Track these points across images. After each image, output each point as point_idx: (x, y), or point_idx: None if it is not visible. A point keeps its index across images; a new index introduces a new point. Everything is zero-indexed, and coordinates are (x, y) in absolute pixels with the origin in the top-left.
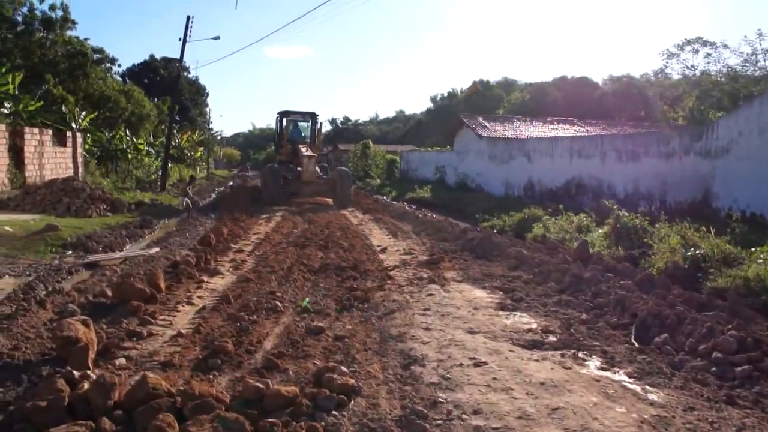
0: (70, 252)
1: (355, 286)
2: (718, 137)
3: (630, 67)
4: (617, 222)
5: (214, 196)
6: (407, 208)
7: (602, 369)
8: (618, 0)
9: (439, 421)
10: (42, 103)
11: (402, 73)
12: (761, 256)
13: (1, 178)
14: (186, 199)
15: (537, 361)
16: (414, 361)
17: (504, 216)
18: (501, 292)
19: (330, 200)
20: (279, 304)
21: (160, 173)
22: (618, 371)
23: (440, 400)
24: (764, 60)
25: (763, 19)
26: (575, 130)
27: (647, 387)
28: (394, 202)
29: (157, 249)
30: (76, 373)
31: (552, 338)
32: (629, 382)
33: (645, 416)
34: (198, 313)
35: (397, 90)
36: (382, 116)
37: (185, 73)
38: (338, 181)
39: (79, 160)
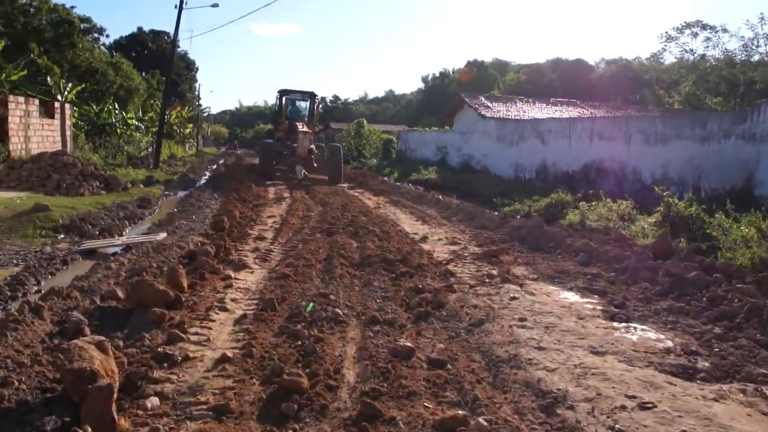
0: (62, 236)
1: (418, 286)
2: (766, 120)
3: (625, 50)
4: (668, 210)
5: (208, 174)
6: (416, 189)
7: None
8: None
9: None
10: (26, 72)
11: (392, 52)
12: None
13: None
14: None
15: (717, 401)
16: (555, 401)
17: (526, 200)
18: (595, 296)
19: (324, 176)
20: (339, 312)
21: (151, 149)
22: None
23: None
24: (765, 45)
25: (765, 3)
26: (579, 112)
27: None
28: (399, 184)
29: (164, 234)
30: None
31: (703, 363)
32: None
33: None
34: (238, 324)
35: (387, 69)
36: (371, 96)
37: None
38: (330, 157)
39: (68, 133)
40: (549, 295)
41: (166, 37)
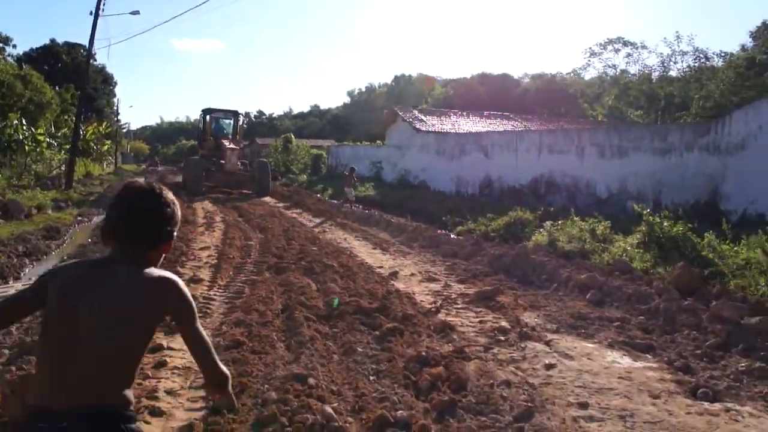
0: None
1: (420, 352)
2: (731, 132)
3: (548, 65)
4: (651, 229)
5: None
6: (356, 208)
7: None
8: None
9: None
10: None
11: (316, 67)
12: None
13: None
14: (351, 191)
15: None
16: None
17: (480, 219)
18: (648, 355)
19: (249, 191)
20: (329, 410)
21: (64, 168)
22: None
23: None
24: (682, 61)
25: (682, 22)
26: (513, 125)
27: None
28: (335, 201)
29: None
30: None
31: None
32: None
33: None
34: None
35: (312, 84)
36: (296, 110)
37: (92, 61)
38: (258, 172)
39: None
40: (591, 358)
41: (81, 50)
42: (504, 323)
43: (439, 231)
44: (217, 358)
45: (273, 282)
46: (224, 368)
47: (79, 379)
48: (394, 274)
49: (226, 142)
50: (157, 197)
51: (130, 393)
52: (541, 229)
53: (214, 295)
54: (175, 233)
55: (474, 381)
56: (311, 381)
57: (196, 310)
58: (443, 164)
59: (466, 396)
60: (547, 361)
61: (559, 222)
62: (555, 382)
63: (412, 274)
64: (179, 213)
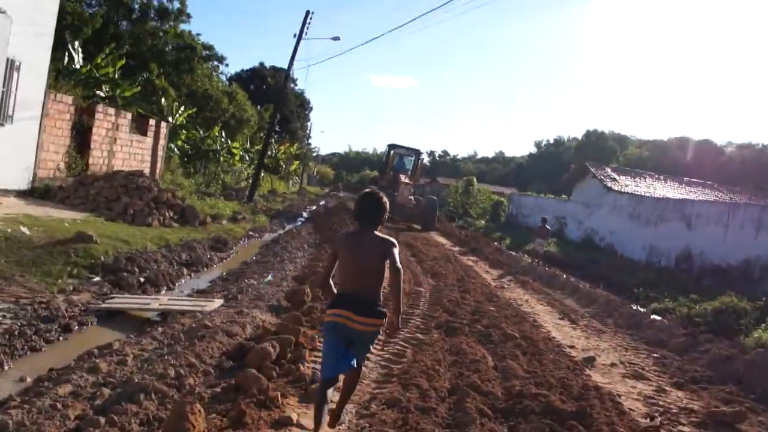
0: (97, 279)
1: None
2: None
3: (756, 134)
4: None
5: (305, 215)
6: (537, 264)
7: None
8: (742, 61)
9: None
10: (139, 89)
11: (505, 113)
12: None
13: (57, 161)
14: (544, 243)
15: None
16: None
17: (680, 298)
18: None
19: (416, 225)
20: None
21: (250, 181)
22: None
23: None
24: None
25: None
26: (717, 196)
27: None
28: (513, 253)
29: (219, 302)
30: None
31: None
32: None
33: None
34: None
35: (498, 130)
36: (480, 155)
37: (292, 85)
38: (426, 207)
39: (160, 153)
40: None
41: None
42: None
43: (633, 306)
44: (402, 293)
45: (441, 347)
46: (402, 303)
47: (357, 282)
48: (589, 361)
49: (403, 177)
50: (380, 200)
51: (380, 291)
52: (764, 325)
53: (372, 355)
54: (386, 218)
55: None
56: None
57: (397, 256)
58: (636, 229)
59: None
60: None
61: None
62: None
63: (613, 364)
64: (388, 207)
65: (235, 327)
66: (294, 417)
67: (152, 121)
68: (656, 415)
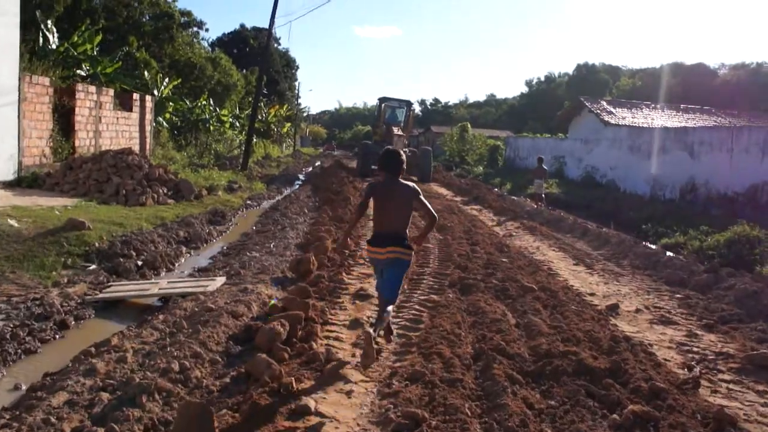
0: (94, 266)
1: None
2: None
3: (749, 53)
4: None
5: (302, 178)
6: (540, 206)
7: None
8: None
9: None
10: (120, 64)
11: (494, 55)
12: None
13: (41, 146)
14: (543, 184)
15: None
16: None
17: (691, 231)
18: None
19: (413, 176)
20: None
21: (243, 148)
22: None
23: None
24: None
25: None
26: (716, 121)
27: None
28: (515, 198)
29: (221, 280)
30: None
31: None
32: None
33: None
34: None
35: (488, 73)
36: (472, 99)
37: (276, 45)
38: (421, 158)
39: (147, 128)
40: None
41: (267, 33)
42: None
43: (645, 245)
44: (430, 231)
45: (458, 307)
46: (429, 235)
47: (389, 223)
48: (612, 308)
49: (395, 129)
50: (399, 155)
51: (405, 228)
52: None
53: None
54: (404, 167)
55: None
56: None
57: (423, 196)
58: (637, 163)
59: None
60: None
61: None
62: None
63: (637, 310)
64: (405, 159)
65: (240, 306)
66: (312, 405)
67: (136, 96)
68: (693, 364)
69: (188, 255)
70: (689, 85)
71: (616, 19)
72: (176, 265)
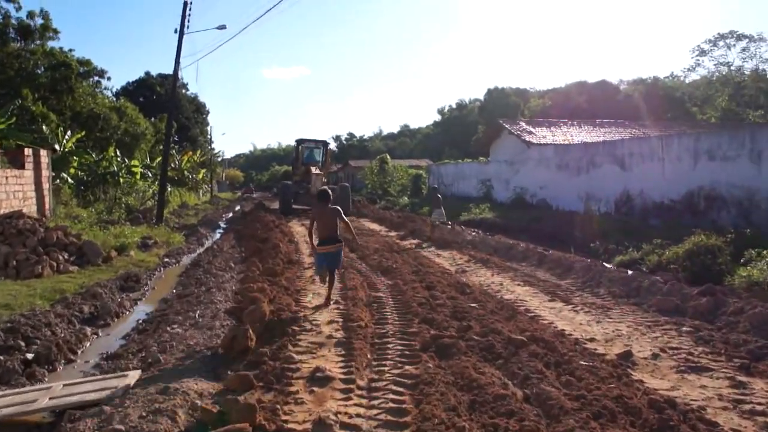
0: None
1: None
2: None
3: (645, 69)
4: None
5: (223, 226)
6: (480, 235)
7: None
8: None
9: None
10: (14, 119)
11: (404, 86)
12: None
13: None
14: (442, 211)
15: None
16: None
17: (644, 246)
18: None
19: None
20: None
21: (156, 199)
22: None
23: None
24: None
25: None
26: (631, 133)
27: None
28: (449, 226)
29: (136, 374)
30: None
31: None
32: None
33: None
34: None
35: (399, 104)
36: (386, 131)
37: (184, 90)
38: (340, 194)
39: (45, 186)
40: None
41: (173, 75)
42: None
43: (604, 264)
44: (352, 231)
45: (444, 381)
46: (354, 234)
47: (329, 231)
48: (625, 357)
49: (314, 168)
50: (328, 192)
51: (337, 232)
52: (750, 265)
53: (356, 415)
54: (332, 198)
55: None
56: None
57: (343, 215)
58: (567, 180)
59: None
60: None
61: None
62: None
63: (654, 355)
64: (332, 194)
65: (161, 421)
66: None
67: (28, 151)
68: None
69: (95, 337)
70: (595, 102)
71: (520, 43)
72: (79, 352)
